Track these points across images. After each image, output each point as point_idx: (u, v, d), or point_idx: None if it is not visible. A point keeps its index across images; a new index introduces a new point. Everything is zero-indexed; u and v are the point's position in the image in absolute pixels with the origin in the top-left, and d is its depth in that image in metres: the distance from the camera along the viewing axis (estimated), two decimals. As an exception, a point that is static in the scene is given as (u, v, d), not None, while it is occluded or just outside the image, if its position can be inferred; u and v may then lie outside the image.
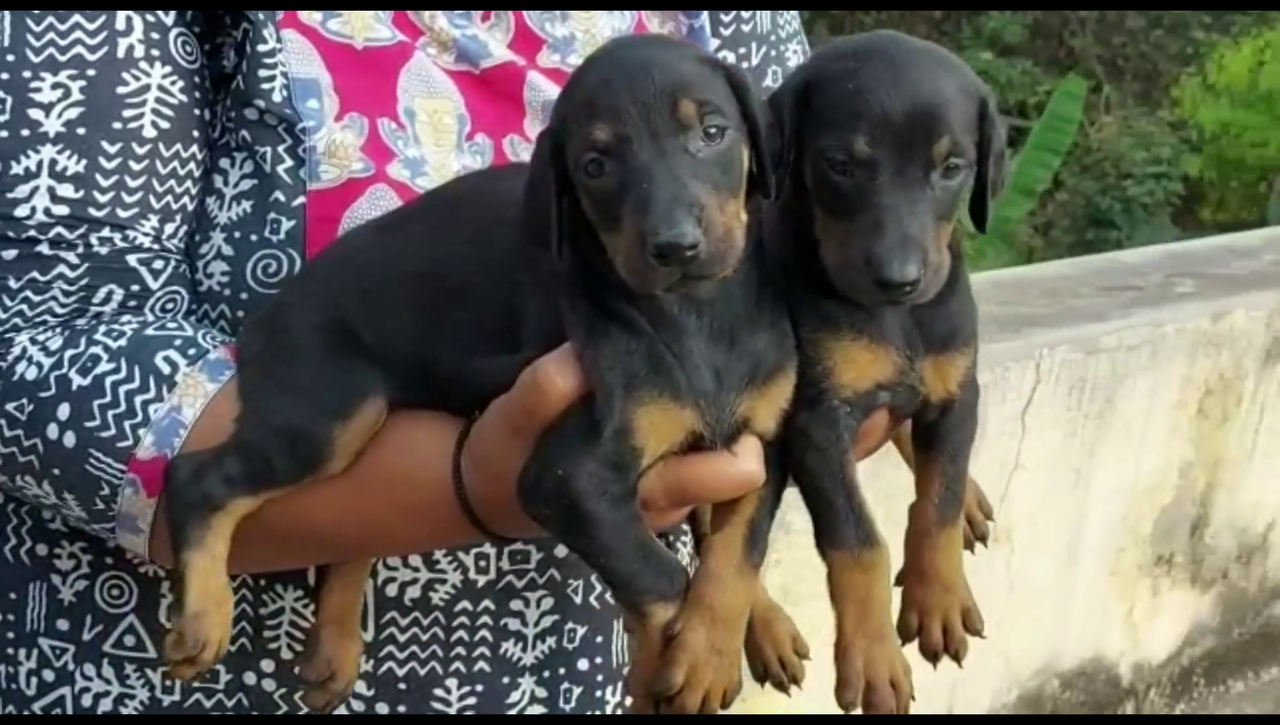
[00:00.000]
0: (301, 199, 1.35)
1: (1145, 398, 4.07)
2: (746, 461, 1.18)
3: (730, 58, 1.55)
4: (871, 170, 1.15)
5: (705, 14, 1.53)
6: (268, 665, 1.44)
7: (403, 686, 1.45)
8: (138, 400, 1.30)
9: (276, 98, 1.36)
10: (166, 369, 1.31)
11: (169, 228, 1.36)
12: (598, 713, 1.53)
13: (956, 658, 1.31)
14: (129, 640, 1.45)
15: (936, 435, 1.30)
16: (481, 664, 1.46)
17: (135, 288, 1.35)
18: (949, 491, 1.30)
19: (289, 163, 1.36)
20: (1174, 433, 4.23)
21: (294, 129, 1.35)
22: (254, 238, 1.36)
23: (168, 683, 1.43)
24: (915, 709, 1.53)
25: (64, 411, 1.30)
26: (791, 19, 1.64)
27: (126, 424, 1.29)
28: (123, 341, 1.31)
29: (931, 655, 1.31)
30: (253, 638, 1.40)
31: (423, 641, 1.44)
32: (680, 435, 1.16)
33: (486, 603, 1.45)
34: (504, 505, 1.21)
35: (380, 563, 1.41)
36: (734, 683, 1.17)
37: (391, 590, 1.42)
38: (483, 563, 1.44)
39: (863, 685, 1.22)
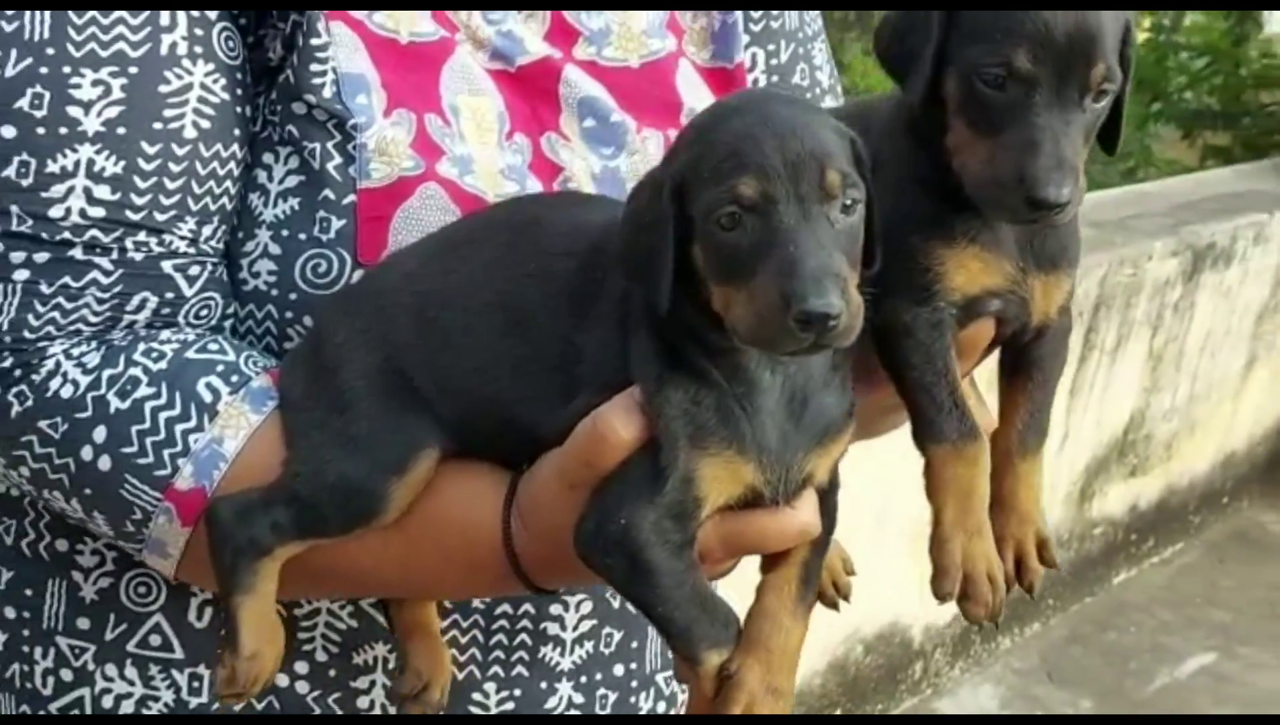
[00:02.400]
0: (352, 197, 1.32)
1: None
2: (804, 514, 1.18)
3: (760, 54, 1.57)
4: (1029, 87, 1.15)
5: (738, 10, 1.54)
6: (301, 667, 1.42)
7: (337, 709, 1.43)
8: (178, 428, 1.27)
9: (327, 93, 1.32)
10: (208, 397, 1.27)
11: (207, 230, 1.32)
12: None
13: (1030, 590, 1.30)
14: (154, 640, 1.41)
15: (1029, 360, 1.30)
16: (520, 668, 1.46)
17: (170, 295, 1.30)
18: (1035, 419, 1.30)
19: (338, 160, 1.32)
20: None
21: (344, 125, 1.32)
22: (303, 236, 1.32)
23: (195, 684, 1.41)
24: None
25: (100, 434, 1.26)
26: (815, 18, 1.66)
27: (165, 453, 1.26)
28: (163, 363, 1.28)
29: (1004, 585, 1.29)
30: (286, 640, 1.36)
31: (462, 644, 1.43)
32: (740, 489, 1.16)
33: (526, 606, 1.44)
34: (553, 562, 1.22)
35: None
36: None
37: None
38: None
39: (960, 577, 1.22)
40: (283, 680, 1.41)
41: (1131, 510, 5.47)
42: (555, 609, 1.46)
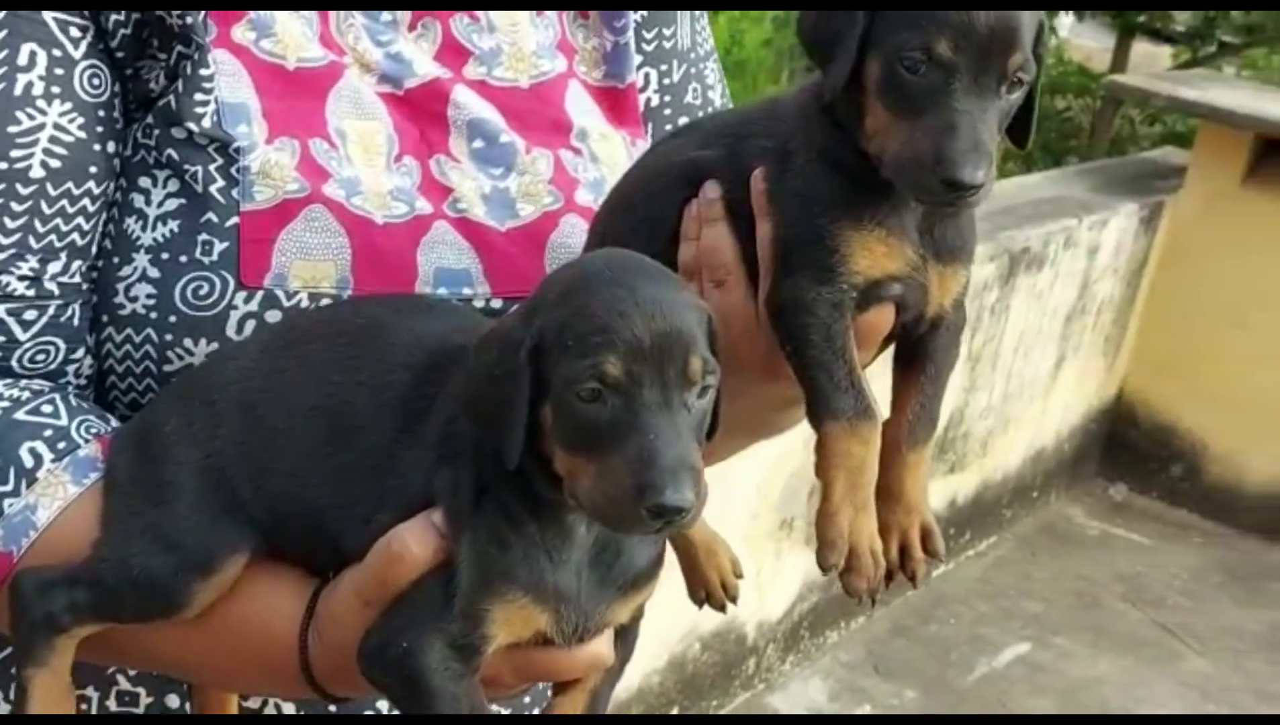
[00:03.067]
0: (235, 219, 1.32)
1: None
2: (597, 648, 1.20)
3: (653, 74, 1.59)
4: (949, 73, 1.20)
5: (631, 31, 1.55)
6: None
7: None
8: None
9: (207, 123, 1.33)
10: (29, 462, 1.27)
11: (53, 266, 1.32)
12: None
13: (913, 578, 1.32)
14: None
15: (922, 353, 1.34)
16: None
17: (1, 339, 1.30)
18: (924, 410, 1.33)
19: (221, 182, 1.33)
20: (801, 404, 4.51)
21: (227, 149, 1.33)
22: (183, 259, 1.32)
23: None
24: None
25: None
26: (708, 38, 1.68)
27: None
28: None
29: (888, 574, 1.32)
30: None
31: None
32: (530, 633, 1.16)
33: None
34: (344, 674, 1.21)
35: None
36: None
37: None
38: None
39: (846, 550, 1.24)
40: (173, 701, 1.42)
41: (950, 505, 5.63)
42: None
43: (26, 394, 1.29)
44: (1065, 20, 10.32)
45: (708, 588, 1.46)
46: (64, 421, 1.29)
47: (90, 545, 1.25)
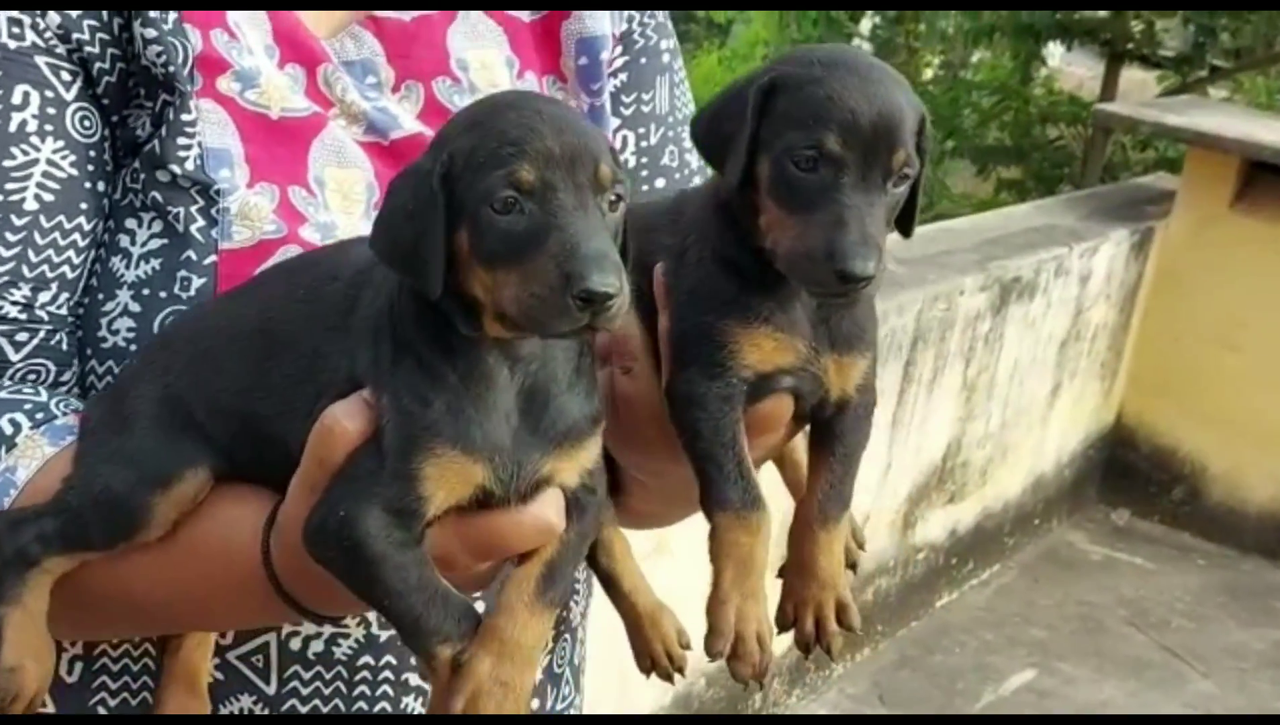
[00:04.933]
0: (213, 257, 1.37)
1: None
2: (544, 513, 1.19)
3: (630, 137, 1.64)
4: (838, 169, 1.24)
5: (607, 93, 1.60)
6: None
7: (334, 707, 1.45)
8: None
9: (190, 166, 1.38)
10: (9, 430, 1.32)
11: (44, 296, 1.37)
12: None
13: (829, 651, 1.36)
14: None
15: (831, 434, 1.36)
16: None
17: None
18: (835, 490, 1.35)
19: (201, 223, 1.38)
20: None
21: (208, 191, 1.38)
22: (163, 295, 1.38)
23: None
24: (583, 709, 1.68)
25: None
26: (688, 102, 1.73)
27: None
28: None
29: (804, 646, 1.36)
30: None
31: (325, 695, 1.45)
32: (468, 489, 1.16)
33: (389, 658, 1.47)
34: (311, 579, 1.22)
35: None
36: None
37: (295, 644, 1.43)
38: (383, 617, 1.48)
39: (733, 637, 1.28)
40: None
41: (951, 535, 5.66)
42: (415, 660, 1.48)
43: (7, 382, 1.35)
44: (1055, 50, 10.39)
45: (653, 657, 1.48)
46: (44, 398, 1.35)
47: (60, 481, 1.29)
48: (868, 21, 10.93)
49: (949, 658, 5.38)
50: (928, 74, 10.92)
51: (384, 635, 1.43)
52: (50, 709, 1.43)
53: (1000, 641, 5.53)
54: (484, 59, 1.53)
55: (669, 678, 1.47)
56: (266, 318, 1.28)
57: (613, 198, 1.15)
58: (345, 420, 1.16)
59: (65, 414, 1.34)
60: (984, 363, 5.44)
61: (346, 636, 1.42)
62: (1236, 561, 6.35)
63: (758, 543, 1.27)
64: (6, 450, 1.31)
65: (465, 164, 1.13)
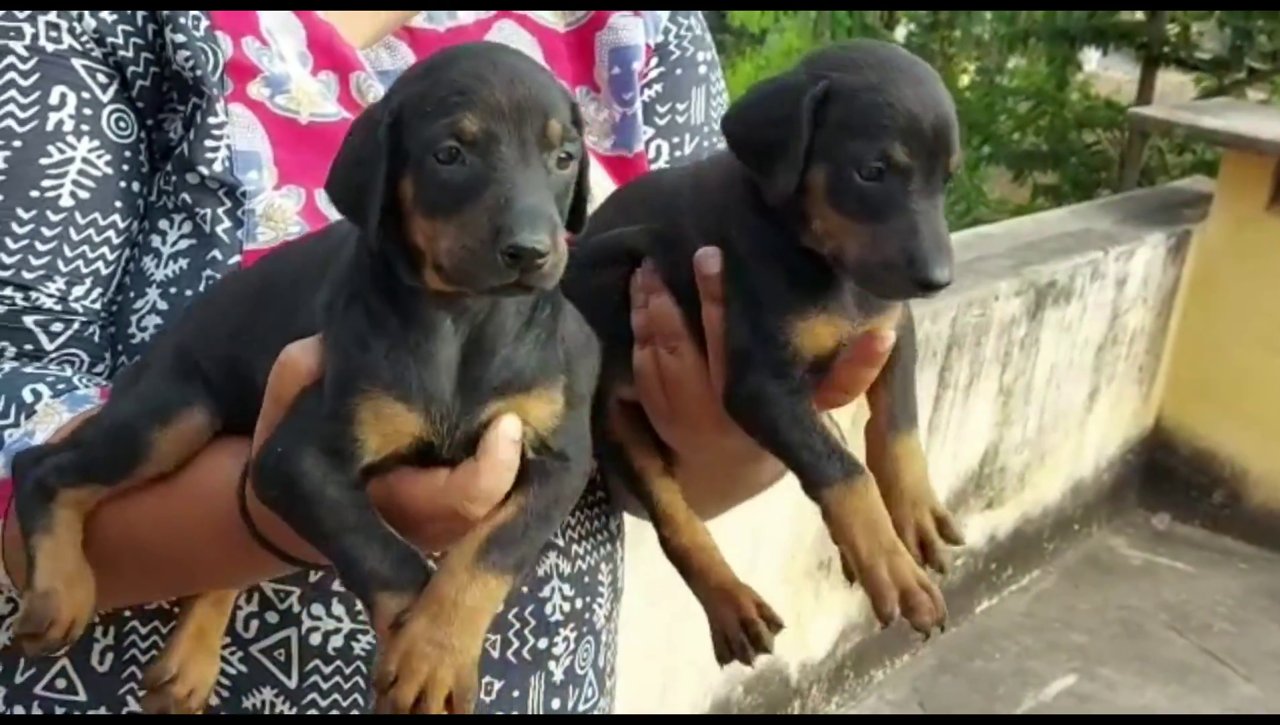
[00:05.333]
0: (238, 258, 1.41)
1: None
2: (478, 480, 1.16)
3: (664, 146, 1.65)
4: (905, 177, 1.24)
5: (639, 103, 1.61)
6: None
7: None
8: None
9: (218, 167, 1.42)
10: (29, 398, 1.36)
11: (78, 290, 1.41)
12: None
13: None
14: (60, 684, 1.47)
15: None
16: None
17: (29, 347, 1.40)
18: (900, 403, 1.35)
19: (228, 224, 1.42)
20: (833, 445, 4.56)
21: (235, 192, 1.41)
22: (189, 293, 1.42)
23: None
24: (610, 712, 1.67)
25: None
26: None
27: None
28: None
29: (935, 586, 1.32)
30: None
31: (344, 690, 1.46)
32: (403, 438, 1.16)
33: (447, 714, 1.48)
34: (273, 517, 1.23)
35: (304, 610, 1.44)
36: (461, 684, 1.14)
37: (315, 639, 1.45)
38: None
39: (897, 595, 1.25)
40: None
41: (990, 540, 5.66)
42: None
43: (36, 364, 1.40)
44: (1092, 54, 10.37)
45: (728, 636, 1.43)
46: (68, 374, 1.39)
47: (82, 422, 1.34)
48: (902, 29, 10.93)
49: (989, 663, 5.37)
50: (964, 80, 10.92)
51: None
52: (82, 696, 1.46)
53: (1040, 647, 5.52)
54: None
55: (747, 659, 1.43)
56: (267, 272, 1.32)
57: (562, 155, 1.13)
58: (299, 357, 1.18)
59: (87, 386, 1.38)
60: (1020, 368, 5.43)
61: (365, 632, 1.44)
62: (1278, 564, 6.31)
63: (874, 501, 1.26)
64: (26, 417, 1.35)
65: (413, 112, 1.13)
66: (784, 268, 1.30)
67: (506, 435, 1.16)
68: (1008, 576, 5.87)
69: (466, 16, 1.56)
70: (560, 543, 1.53)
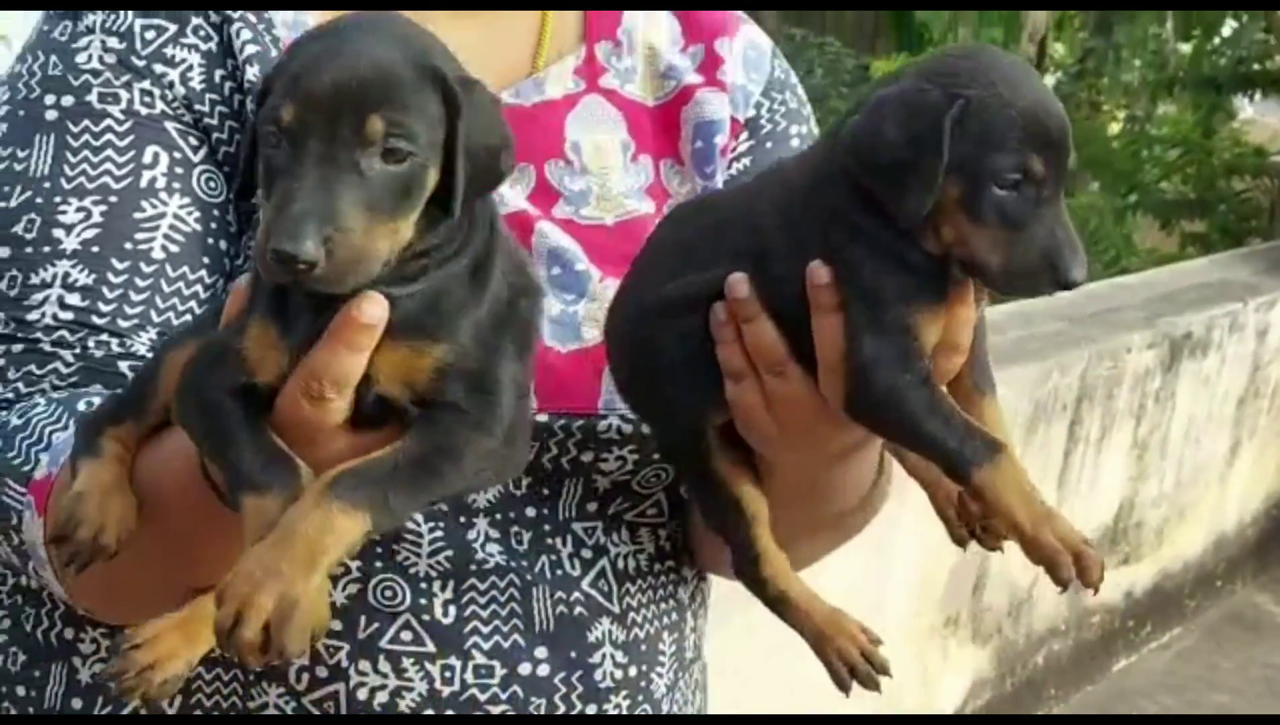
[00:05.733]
0: None
1: (930, 469, 4.33)
2: (309, 359, 1.15)
3: None
4: (1040, 185, 1.28)
5: (720, 177, 1.62)
6: None
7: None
8: (48, 430, 1.38)
9: None
10: (83, 407, 1.38)
11: None
12: None
13: None
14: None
15: None
16: (440, 503, 1.46)
17: (121, 392, 1.41)
18: (979, 365, 1.38)
19: None
20: (958, 500, 4.52)
21: None
22: None
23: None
24: None
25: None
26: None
27: (33, 450, 1.37)
28: (63, 394, 1.41)
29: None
30: None
31: None
32: (272, 365, 1.17)
33: (450, 713, 1.49)
34: None
35: (352, 666, 1.46)
36: (280, 612, 1.09)
37: (362, 694, 1.47)
38: (448, 673, 1.49)
39: (1070, 558, 1.26)
40: None
41: (1128, 597, 5.56)
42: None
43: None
44: (1245, 103, 10.20)
45: (849, 663, 1.40)
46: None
47: None
48: (1050, 78, 10.84)
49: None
50: (1113, 128, 10.79)
51: (446, 691, 1.48)
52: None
53: (1182, 706, 5.40)
54: (598, 141, 1.58)
55: (874, 684, 1.40)
56: None
57: (390, 149, 1.11)
58: (241, 284, 1.22)
59: None
60: (1156, 421, 5.35)
61: (410, 690, 1.47)
62: None
63: (1021, 471, 1.28)
64: (74, 421, 1.36)
65: (271, 83, 1.14)
66: (900, 263, 1.32)
67: (349, 316, 1.14)
68: (1146, 634, 5.75)
69: (554, 91, 1.58)
70: (615, 608, 1.54)
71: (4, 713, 1.56)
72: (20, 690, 1.55)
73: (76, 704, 1.52)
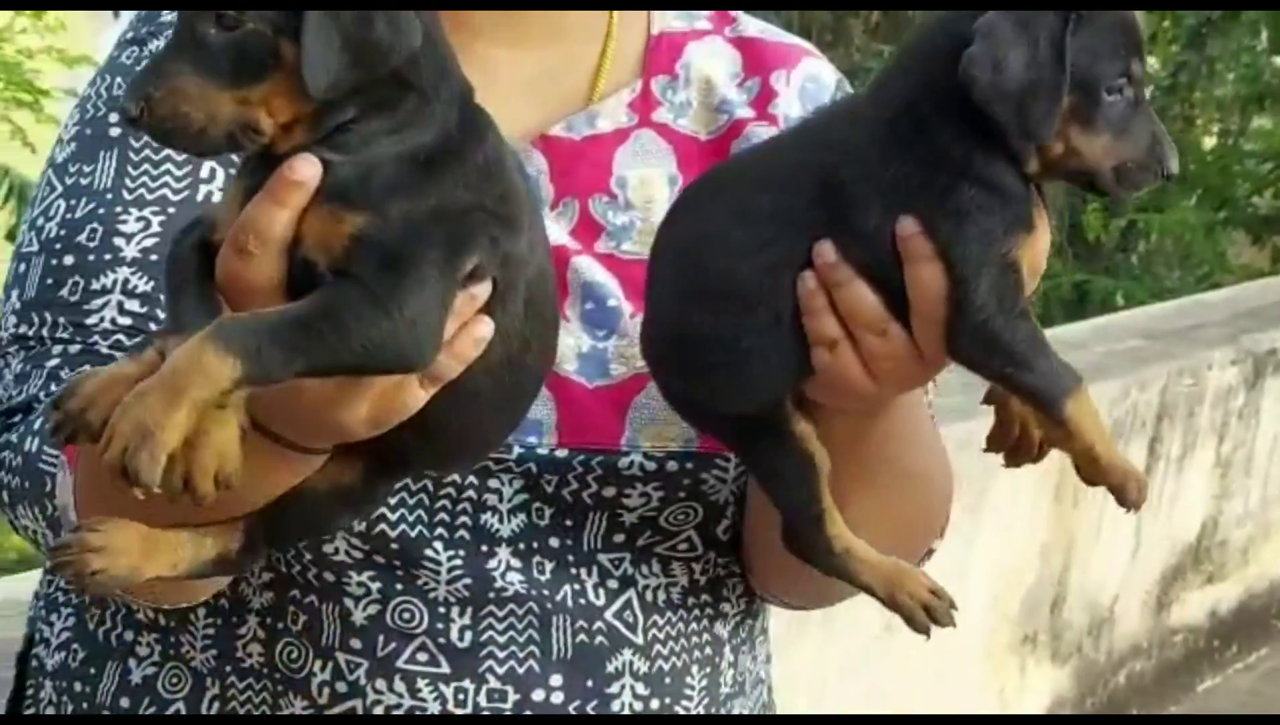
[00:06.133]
0: None
1: (1009, 488, 4.33)
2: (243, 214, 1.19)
3: None
4: (1139, 87, 1.33)
5: None
6: None
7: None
8: None
9: None
10: None
11: None
12: None
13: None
14: None
15: None
16: (462, 532, 1.50)
17: None
18: None
19: None
20: (1034, 517, 4.52)
21: None
22: None
23: None
24: None
25: (37, 423, 1.43)
26: None
27: None
28: None
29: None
30: None
31: (410, 505, 1.49)
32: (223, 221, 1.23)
33: (471, 478, 1.50)
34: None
35: (370, 684, 1.49)
36: (132, 438, 1.12)
37: (378, 712, 1.50)
38: (461, 695, 1.51)
39: (1139, 481, 1.31)
40: None
41: (1212, 616, 5.50)
42: (493, 483, 1.52)
43: None
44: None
45: (925, 605, 1.41)
46: None
47: None
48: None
49: (1212, 744, 5.22)
50: (1207, 143, 10.68)
51: (459, 713, 1.51)
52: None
53: (1268, 728, 5.34)
54: (644, 176, 1.59)
55: (949, 619, 1.40)
56: None
57: (219, 15, 1.18)
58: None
59: None
60: (1239, 438, 5.29)
61: (424, 710, 1.50)
62: None
63: (1094, 401, 1.33)
64: None
65: None
66: (1005, 195, 1.33)
67: (280, 173, 1.18)
68: (1232, 654, 5.68)
69: (606, 124, 1.60)
70: (639, 640, 1.55)
71: (62, 706, 1.62)
72: (78, 686, 1.60)
73: (124, 703, 1.57)
